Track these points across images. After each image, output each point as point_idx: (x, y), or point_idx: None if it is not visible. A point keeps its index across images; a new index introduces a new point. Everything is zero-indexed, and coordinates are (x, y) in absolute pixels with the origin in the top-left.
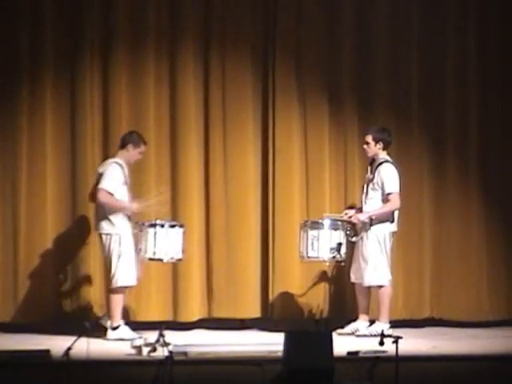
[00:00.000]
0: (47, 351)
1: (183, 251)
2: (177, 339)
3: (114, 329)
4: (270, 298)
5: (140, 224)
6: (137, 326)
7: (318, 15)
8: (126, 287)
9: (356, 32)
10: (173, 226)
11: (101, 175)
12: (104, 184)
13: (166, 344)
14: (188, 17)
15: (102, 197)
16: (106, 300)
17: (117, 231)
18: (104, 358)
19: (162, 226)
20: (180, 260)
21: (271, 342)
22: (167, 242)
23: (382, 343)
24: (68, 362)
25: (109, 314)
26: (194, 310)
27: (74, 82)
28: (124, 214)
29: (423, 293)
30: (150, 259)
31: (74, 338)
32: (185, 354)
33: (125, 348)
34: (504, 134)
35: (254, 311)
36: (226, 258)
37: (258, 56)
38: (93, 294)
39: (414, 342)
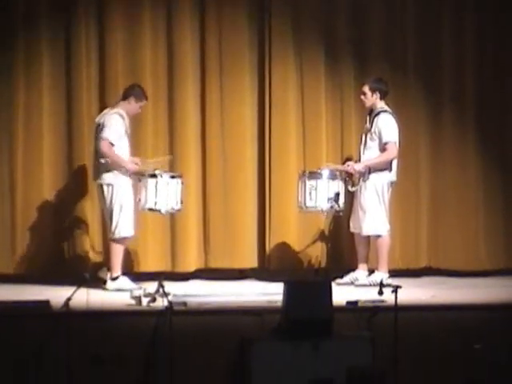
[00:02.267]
0: (47, 302)
1: (182, 202)
2: (175, 289)
3: (114, 279)
4: (267, 248)
5: (140, 175)
6: (135, 276)
7: None
8: (126, 238)
9: None
10: (173, 177)
11: (99, 125)
12: (106, 134)
13: (165, 294)
14: None
15: (105, 147)
16: (106, 251)
17: (119, 182)
18: (104, 308)
19: (162, 176)
20: (179, 211)
21: (270, 292)
22: (167, 193)
23: (381, 292)
24: (67, 313)
25: (109, 265)
26: (192, 260)
27: (70, 34)
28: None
29: (420, 242)
30: (150, 209)
31: (73, 288)
32: (184, 304)
33: (124, 298)
34: (501, 83)
35: (251, 262)
36: (223, 209)
37: (254, 8)
38: (91, 244)
39: (413, 292)
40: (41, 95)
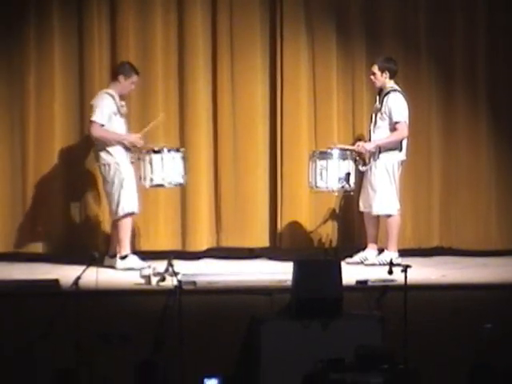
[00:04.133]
0: (56, 281)
1: (183, 176)
2: (185, 269)
3: (123, 258)
4: (279, 227)
5: (138, 152)
6: (145, 255)
7: None
8: (131, 214)
9: None
10: (169, 151)
11: (91, 108)
12: (94, 116)
13: (174, 273)
14: None
15: (94, 130)
16: (113, 231)
17: (115, 160)
18: (113, 287)
19: (158, 151)
20: (181, 185)
21: (280, 272)
22: (164, 168)
23: (390, 272)
24: (77, 292)
25: (117, 244)
26: (203, 239)
27: (82, 11)
28: (121, 145)
29: (432, 222)
30: (150, 186)
31: (82, 267)
32: (194, 283)
33: (134, 277)
34: None
35: (262, 241)
36: (234, 187)
37: None
38: (102, 223)
39: (423, 271)
40: (52, 74)
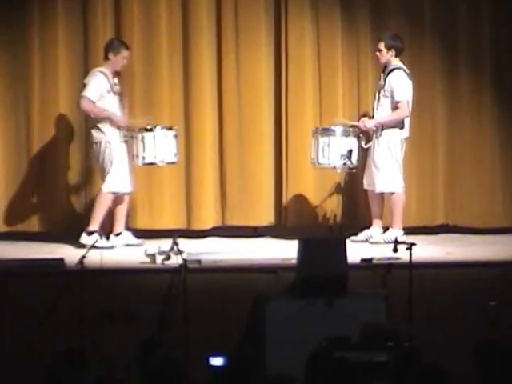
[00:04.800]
0: (61, 260)
1: (175, 154)
2: (190, 247)
3: (90, 234)
4: (284, 205)
5: (130, 130)
6: (150, 234)
7: None
8: (114, 193)
9: None
10: (161, 129)
11: (83, 85)
12: (85, 92)
13: (179, 252)
14: None
15: (84, 104)
16: (111, 208)
17: (107, 138)
18: (118, 266)
19: (150, 130)
20: (173, 163)
21: (285, 250)
22: (156, 146)
23: (395, 250)
24: (82, 271)
25: (90, 218)
26: (208, 217)
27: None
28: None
29: (437, 199)
30: (143, 164)
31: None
32: (199, 261)
33: (139, 256)
34: None
35: (267, 219)
36: (239, 166)
37: None
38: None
39: (428, 249)
40: (56, 54)
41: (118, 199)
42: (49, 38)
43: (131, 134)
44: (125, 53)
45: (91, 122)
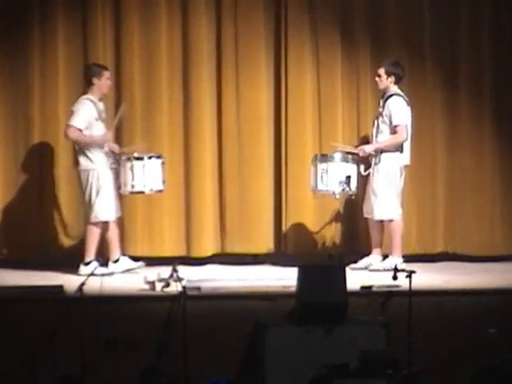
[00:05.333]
0: (61, 287)
1: (163, 182)
2: (190, 274)
3: (86, 264)
4: (283, 232)
5: (118, 159)
6: (150, 261)
7: None
8: (104, 222)
9: None
10: (149, 158)
11: (71, 113)
12: (72, 120)
13: (179, 279)
14: None
15: (71, 133)
16: (105, 236)
17: (94, 166)
18: (117, 293)
19: (139, 158)
20: (161, 191)
21: (285, 277)
22: (145, 174)
23: (395, 277)
24: (81, 298)
25: (84, 249)
26: (208, 245)
27: (86, 18)
28: (101, 149)
29: (437, 227)
30: (131, 193)
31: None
32: (198, 289)
33: (138, 283)
34: None
35: (267, 246)
36: (238, 193)
37: None
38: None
39: (428, 277)
40: (56, 76)
41: (107, 226)
42: (49, 72)
43: (118, 162)
44: (107, 73)
45: (78, 149)
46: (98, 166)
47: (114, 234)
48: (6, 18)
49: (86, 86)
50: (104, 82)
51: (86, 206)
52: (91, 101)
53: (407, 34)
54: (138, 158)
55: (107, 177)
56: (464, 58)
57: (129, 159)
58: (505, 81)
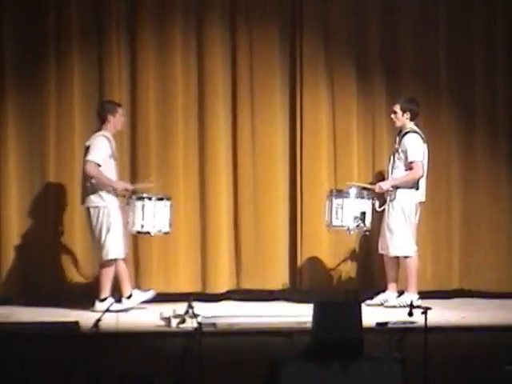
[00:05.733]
0: (76, 323)
1: (170, 224)
2: (206, 311)
3: (102, 300)
4: (299, 268)
5: (127, 197)
6: (166, 297)
7: None
8: (116, 260)
9: (383, 3)
10: (160, 199)
11: (87, 148)
12: (92, 156)
13: (194, 315)
14: None
15: (90, 169)
16: (116, 273)
17: (105, 204)
18: (133, 329)
19: (150, 198)
20: (167, 233)
21: (300, 313)
22: (154, 215)
23: (410, 314)
24: (97, 334)
25: (99, 287)
26: (223, 281)
27: (102, 58)
28: (109, 189)
29: (452, 264)
30: (138, 232)
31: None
32: (214, 325)
33: (154, 319)
34: None
35: (282, 282)
36: (254, 229)
37: (285, 27)
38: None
39: (443, 313)
40: (73, 119)
41: (117, 263)
42: (65, 111)
43: (128, 202)
44: (121, 110)
45: (89, 186)
46: (108, 204)
47: (123, 270)
48: (22, 55)
49: (100, 122)
50: (118, 119)
51: (96, 244)
52: (106, 138)
53: (422, 72)
54: (149, 199)
55: (117, 214)
56: (479, 97)
57: (140, 199)
58: None
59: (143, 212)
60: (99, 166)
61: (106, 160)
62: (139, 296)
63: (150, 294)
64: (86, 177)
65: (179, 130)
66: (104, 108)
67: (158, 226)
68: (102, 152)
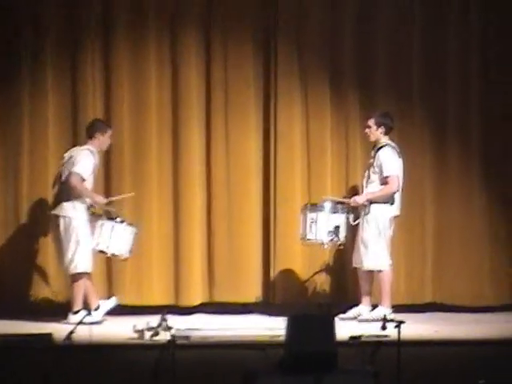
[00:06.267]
0: (50, 335)
1: (130, 251)
2: (179, 323)
3: (75, 313)
4: (272, 281)
5: (97, 215)
6: (139, 310)
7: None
8: (88, 272)
9: (357, 15)
10: (121, 223)
11: (70, 158)
12: (78, 169)
13: (168, 328)
14: (189, 1)
15: (75, 180)
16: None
17: (77, 215)
18: (106, 341)
19: (111, 219)
20: (125, 259)
21: (273, 327)
22: (112, 237)
23: (384, 328)
24: (70, 346)
25: (72, 300)
26: (196, 294)
27: (76, 69)
28: (85, 201)
29: (425, 277)
30: (101, 251)
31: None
32: (187, 338)
33: (127, 332)
34: (506, 118)
35: (255, 295)
36: (227, 242)
37: (259, 40)
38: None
39: (416, 327)
40: (46, 132)
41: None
42: (38, 123)
43: (96, 219)
44: (110, 132)
45: (66, 196)
46: (80, 215)
47: (89, 284)
48: None
49: (87, 138)
50: (106, 139)
51: (66, 255)
52: (92, 153)
53: (396, 86)
54: (110, 218)
55: (86, 227)
56: (453, 110)
57: (102, 217)
58: (495, 130)
59: (101, 230)
60: (83, 180)
61: (89, 174)
62: (105, 305)
63: (112, 301)
64: (65, 186)
65: (153, 143)
66: (95, 126)
67: (112, 248)
68: (88, 166)
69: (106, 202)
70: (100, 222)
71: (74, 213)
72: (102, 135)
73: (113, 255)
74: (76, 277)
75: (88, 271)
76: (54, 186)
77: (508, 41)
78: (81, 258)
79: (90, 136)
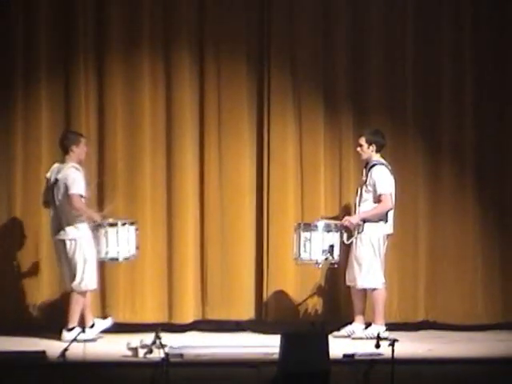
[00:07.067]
0: (43, 352)
1: (136, 249)
2: (172, 341)
3: (70, 330)
4: (265, 300)
5: (91, 226)
6: (132, 327)
7: (313, 18)
8: (89, 291)
9: (351, 35)
10: (123, 225)
11: (57, 181)
12: (75, 189)
13: (162, 346)
14: (182, 20)
15: (77, 201)
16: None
17: (81, 235)
18: (100, 359)
19: (113, 224)
20: (134, 256)
21: (267, 344)
22: (119, 242)
23: (377, 346)
24: (64, 363)
25: (67, 316)
26: (189, 311)
27: (69, 88)
28: (84, 220)
29: (418, 296)
30: (106, 260)
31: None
32: (181, 355)
33: (121, 349)
34: (500, 137)
35: (248, 313)
36: (220, 261)
37: (253, 59)
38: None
39: (410, 345)
40: (40, 149)
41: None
42: (32, 139)
43: (96, 230)
44: (83, 140)
45: (65, 218)
46: (84, 235)
47: (87, 301)
48: None
49: (64, 153)
50: (82, 150)
51: (71, 274)
52: (78, 169)
53: (389, 105)
54: (111, 225)
55: (91, 245)
56: (446, 126)
57: (102, 225)
58: (488, 150)
59: (107, 238)
60: (82, 196)
61: (85, 190)
62: (100, 324)
63: (108, 322)
64: (61, 209)
65: (146, 160)
66: (67, 138)
67: (123, 251)
68: (82, 183)
69: (102, 217)
70: (103, 231)
71: (77, 233)
72: (76, 147)
73: (125, 259)
74: (78, 294)
75: (94, 288)
76: (46, 206)
77: (501, 63)
78: (87, 276)
79: (66, 151)
